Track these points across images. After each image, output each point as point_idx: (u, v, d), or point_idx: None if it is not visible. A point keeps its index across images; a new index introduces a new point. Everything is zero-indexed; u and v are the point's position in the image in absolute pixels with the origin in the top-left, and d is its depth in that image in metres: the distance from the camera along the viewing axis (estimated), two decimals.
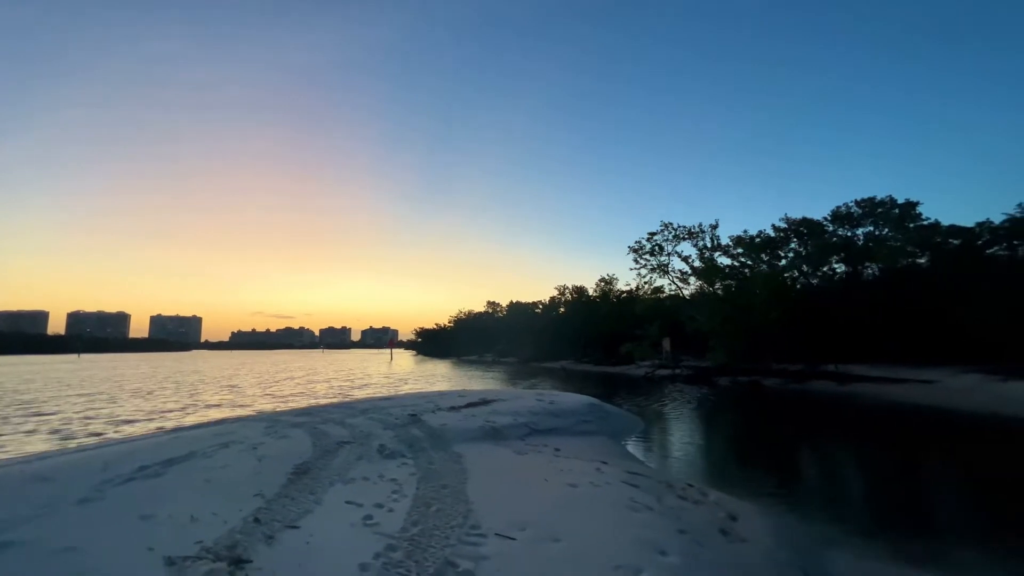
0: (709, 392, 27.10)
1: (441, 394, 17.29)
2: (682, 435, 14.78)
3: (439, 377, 41.52)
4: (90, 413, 17.07)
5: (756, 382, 30.05)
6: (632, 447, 12.21)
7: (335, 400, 18.76)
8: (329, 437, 9.31)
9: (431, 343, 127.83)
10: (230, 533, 4.65)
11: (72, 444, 11.54)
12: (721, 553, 5.22)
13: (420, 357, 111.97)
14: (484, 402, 15.22)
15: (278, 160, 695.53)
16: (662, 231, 38.14)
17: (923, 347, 28.94)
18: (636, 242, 39.53)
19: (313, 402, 18.94)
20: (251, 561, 4.09)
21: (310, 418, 11.31)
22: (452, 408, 13.80)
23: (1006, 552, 6.21)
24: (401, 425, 11.03)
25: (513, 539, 4.95)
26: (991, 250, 28.41)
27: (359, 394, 23.44)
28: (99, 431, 13.76)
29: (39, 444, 11.95)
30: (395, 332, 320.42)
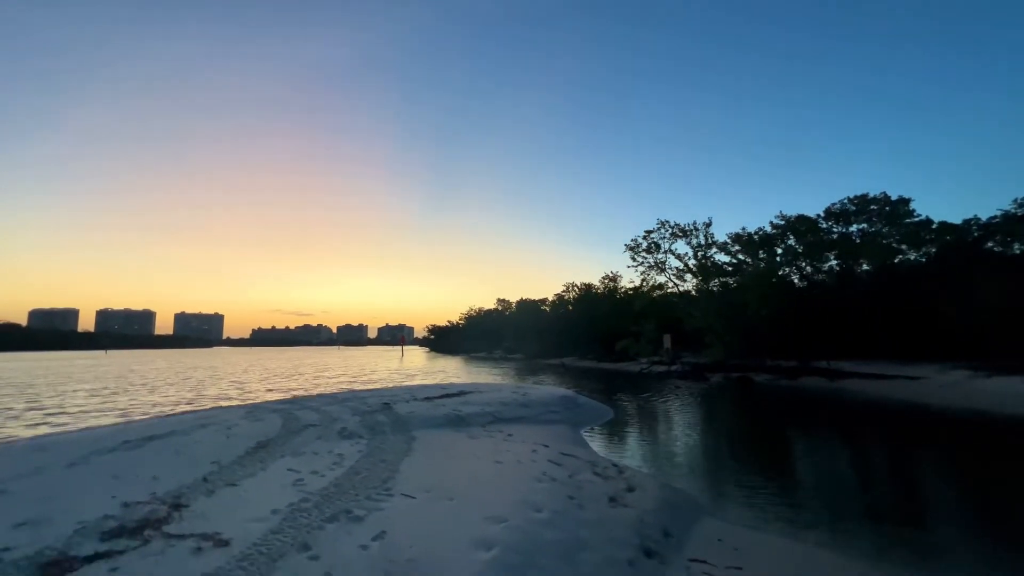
0: (698, 388, 27.67)
1: (424, 387, 18.34)
2: (644, 424, 15.55)
3: (445, 373, 42.43)
4: (88, 407, 18.30)
5: (746, 378, 30.47)
6: (588, 434, 13.07)
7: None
8: (299, 421, 10.42)
9: (443, 340, 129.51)
10: (180, 488, 5.73)
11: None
12: (595, 514, 6.12)
13: (432, 354, 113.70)
14: (461, 393, 16.23)
15: (295, 159, 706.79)
16: (658, 229, 38.67)
17: (915, 343, 29.06)
18: (632, 240, 40.12)
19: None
20: (188, 506, 5.16)
21: (289, 405, 12.48)
22: (427, 399, 14.84)
23: (902, 531, 6.96)
24: (370, 412, 12.10)
25: (413, 498, 5.94)
26: (986, 246, 28.34)
27: (360, 389, 24.59)
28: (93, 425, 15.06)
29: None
30: (410, 329, 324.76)
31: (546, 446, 10.13)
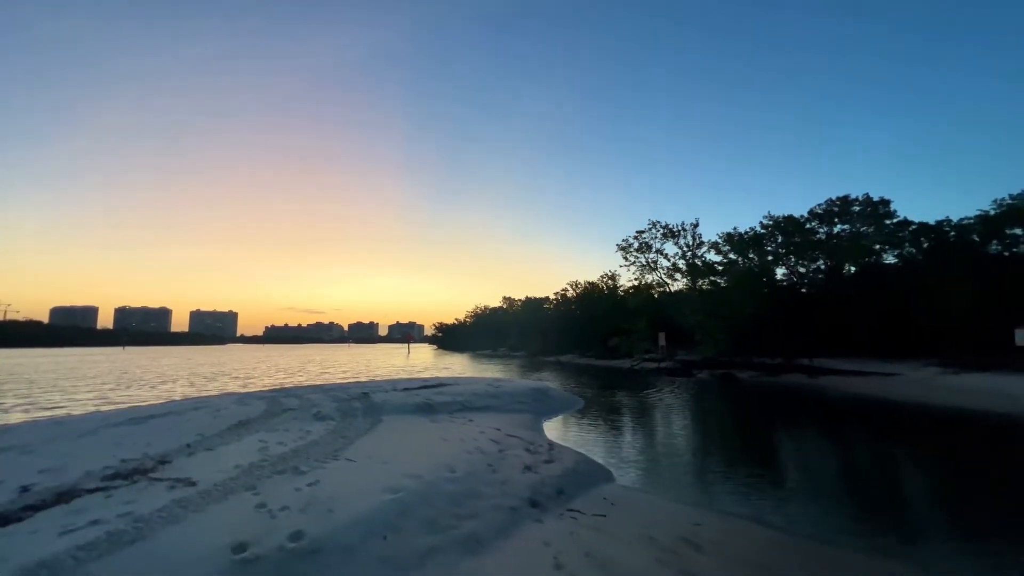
0: (681, 384, 28.75)
1: (408, 379, 19.79)
2: (607, 414, 16.72)
3: (450, 370, 43.07)
4: (86, 402, 19.69)
5: (729, 375, 31.49)
6: (548, 422, 14.35)
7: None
8: (281, 405, 11.86)
9: (450, 338, 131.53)
10: (167, 451, 7.18)
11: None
12: (503, 477, 7.43)
13: (439, 351, 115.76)
14: (439, 385, 17.61)
15: (307, 158, 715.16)
16: (649, 229, 39.73)
17: (894, 341, 29.85)
18: (623, 240, 41.23)
19: None
20: (171, 462, 6.59)
21: (276, 393, 13.96)
22: (405, 389, 16.23)
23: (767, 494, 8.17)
24: (348, 400, 13.51)
25: (354, 462, 7.31)
26: (961, 247, 28.99)
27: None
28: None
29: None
30: (420, 327, 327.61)
31: (497, 429, 11.44)
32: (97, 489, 5.35)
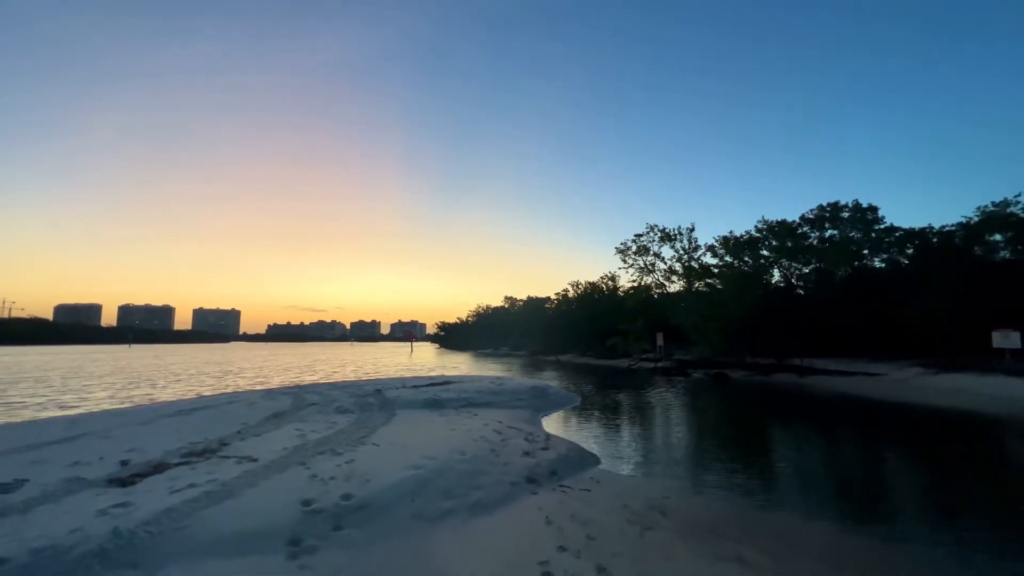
0: (675, 383, 30.00)
1: (415, 378, 21.10)
2: (600, 410, 17.99)
3: (457, 369, 43.88)
4: (99, 402, 21.43)
5: (722, 374, 32.73)
6: (546, 416, 15.64)
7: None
8: (305, 400, 13.21)
9: (452, 336, 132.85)
10: (222, 436, 8.51)
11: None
12: (505, 459, 8.73)
13: (441, 350, 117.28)
14: (445, 383, 18.93)
15: (309, 156, 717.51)
16: (647, 232, 40.98)
17: (880, 342, 31.07)
18: (622, 243, 42.48)
19: None
20: (230, 444, 7.92)
21: (299, 390, 15.29)
22: (414, 387, 17.55)
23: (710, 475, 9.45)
24: (363, 396, 14.84)
25: (378, 446, 8.63)
26: (944, 251, 30.18)
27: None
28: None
29: None
30: (422, 325, 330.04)
31: (500, 422, 12.72)
32: (181, 463, 6.67)
